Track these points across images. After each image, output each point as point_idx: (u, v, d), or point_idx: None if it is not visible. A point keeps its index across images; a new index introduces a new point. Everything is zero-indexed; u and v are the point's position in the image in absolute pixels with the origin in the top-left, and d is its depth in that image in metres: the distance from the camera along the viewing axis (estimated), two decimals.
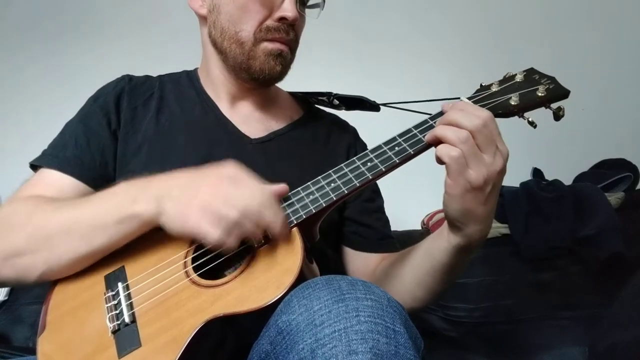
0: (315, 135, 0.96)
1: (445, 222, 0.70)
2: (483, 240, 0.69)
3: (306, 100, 1.02)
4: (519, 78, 0.73)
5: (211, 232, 0.60)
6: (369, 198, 0.95)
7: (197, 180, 0.64)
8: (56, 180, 0.81)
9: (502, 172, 0.64)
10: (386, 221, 0.98)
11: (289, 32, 0.84)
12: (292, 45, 0.86)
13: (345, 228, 0.92)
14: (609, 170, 1.45)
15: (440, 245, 0.71)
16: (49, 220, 0.68)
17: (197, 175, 0.65)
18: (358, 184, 0.67)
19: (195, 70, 0.98)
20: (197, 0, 0.89)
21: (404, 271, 0.79)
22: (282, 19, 0.82)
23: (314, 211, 0.66)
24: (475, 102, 0.71)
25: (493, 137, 0.63)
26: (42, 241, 0.67)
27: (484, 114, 0.63)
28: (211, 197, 0.61)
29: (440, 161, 0.64)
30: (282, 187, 0.67)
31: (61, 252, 0.67)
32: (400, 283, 0.79)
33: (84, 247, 0.67)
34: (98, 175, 0.83)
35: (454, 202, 0.65)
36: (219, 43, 0.86)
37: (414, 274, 0.77)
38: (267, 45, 0.83)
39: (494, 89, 0.73)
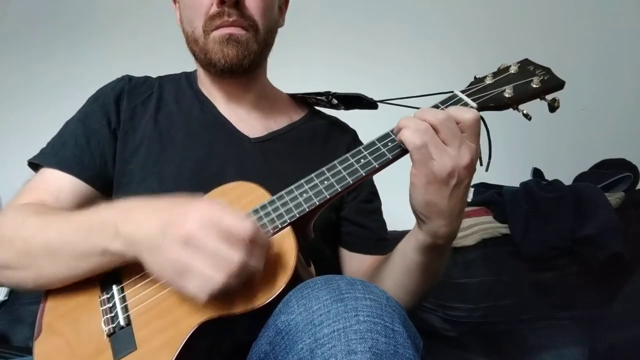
0: (314, 136, 0.96)
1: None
2: (450, 239, 0.68)
3: (306, 102, 1.01)
4: (513, 69, 0.73)
5: (198, 295, 0.55)
6: (366, 199, 0.95)
7: (168, 232, 0.56)
8: (56, 180, 0.81)
9: (469, 167, 0.63)
10: (382, 223, 0.97)
11: (232, 14, 0.81)
12: (245, 24, 0.82)
13: (342, 228, 0.92)
14: (609, 170, 1.45)
15: (410, 243, 0.71)
16: (34, 240, 0.67)
17: (169, 222, 0.57)
18: (351, 182, 0.66)
19: (195, 71, 0.98)
20: (178, 19, 0.91)
21: (384, 273, 0.79)
22: (222, 3, 0.80)
23: (307, 210, 0.66)
24: (468, 96, 0.70)
25: (457, 131, 0.63)
26: (28, 260, 0.67)
27: (467, 114, 0.64)
28: (182, 257, 0.54)
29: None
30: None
31: (48, 274, 0.67)
32: (380, 284, 0.78)
33: (68, 272, 0.67)
34: (98, 174, 0.83)
35: (417, 193, 0.65)
36: (189, 48, 0.88)
37: (392, 275, 0.77)
38: (215, 34, 0.82)
39: (488, 81, 0.72)
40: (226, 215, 0.55)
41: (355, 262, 0.91)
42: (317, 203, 0.66)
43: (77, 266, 0.66)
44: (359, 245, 0.91)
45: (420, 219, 0.68)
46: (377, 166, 0.67)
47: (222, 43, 0.81)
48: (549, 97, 0.70)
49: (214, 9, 0.81)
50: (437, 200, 0.64)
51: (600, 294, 1.25)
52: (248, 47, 0.83)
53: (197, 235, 0.54)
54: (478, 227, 1.36)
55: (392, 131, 0.69)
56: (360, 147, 0.69)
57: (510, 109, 0.71)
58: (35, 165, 0.84)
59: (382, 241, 0.93)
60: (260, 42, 0.85)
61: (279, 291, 0.57)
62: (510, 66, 0.73)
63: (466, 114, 0.64)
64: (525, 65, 0.73)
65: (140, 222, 0.60)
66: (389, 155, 0.67)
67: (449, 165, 0.62)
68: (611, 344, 1.00)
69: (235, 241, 0.54)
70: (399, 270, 0.75)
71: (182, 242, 0.54)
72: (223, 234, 0.54)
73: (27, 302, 1.36)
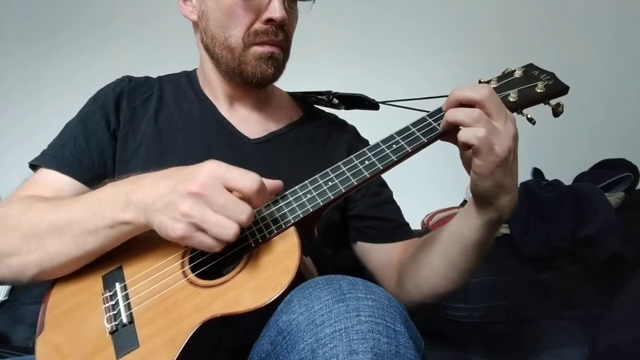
0: (314, 135, 0.95)
1: (470, 202, 0.71)
2: (514, 208, 0.70)
3: (306, 101, 1.01)
4: (517, 74, 0.73)
5: (213, 246, 0.60)
6: (376, 192, 0.95)
7: (179, 189, 0.60)
8: (54, 180, 0.81)
9: (516, 136, 0.65)
10: (398, 210, 0.97)
11: (278, 34, 0.83)
12: (284, 45, 0.85)
13: (358, 224, 0.92)
14: (609, 170, 1.45)
15: (470, 223, 0.72)
16: (41, 221, 0.68)
17: (179, 181, 0.61)
18: (355, 183, 0.67)
19: (195, 70, 0.98)
20: (187, 7, 0.88)
21: (433, 256, 0.78)
22: (269, 21, 0.81)
23: (311, 210, 0.66)
24: None
25: (501, 103, 0.64)
26: (34, 242, 0.67)
27: (488, 86, 0.66)
28: (195, 210, 0.58)
29: (466, 146, 0.63)
30: (276, 183, 0.66)
31: (53, 253, 0.67)
32: (430, 269, 0.78)
33: (76, 250, 0.66)
34: (96, 175, 0.83)
35: (485, 181, 0.65)
36: (211, 49, 0.86)
37: (446, 257, 0.76)
38: (257, 49, 0.82)
39: (493, 85, 0.72)
40: (232, 170, 0.60)
41: (382, 254, 0.90)
42: (321, 204, 0.66)
43: (85, 242, 0.66)
44: (381, 236, 0.91)
45: (486, 202, 0.68)
46: (381, 168, 0.67)
47: (262, 60, 0.83)
48: (553, 102, 0.70)
49: (260, 25, 0.81)
50: (503, 180, 0.65)
51: (600, 294, 1.25)
52: (281, 66, 0.86)
53: (206, 190, 0.58)
54: None
55: (396, 133, 0.69)
56: (365, 149, 0.69)
57: (515, 113, 0.71)
58: (35, 166, 0.84)
59: (405, 226, 0.94)
60: (286, 59, 0.88)
61: (281, 291, 0.58)
62: (514, 70, 0.74)
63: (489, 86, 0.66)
64: (530, 70, 0.73)
65: (150, 188, 0.63)
66: (393, 157, 0.67)
67: (507, 143, 0.63)
68: (611, 344, 1.00)
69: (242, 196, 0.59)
70: (455, 252, 0.75)
71: (193, 197, 0.58)
72: (230, 188, 0.59)
73: (27, 302, 1.36)
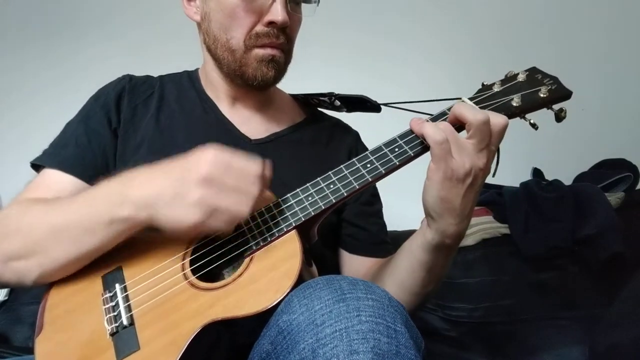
0: (316, 138, 0.95)
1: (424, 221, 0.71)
2: (458, 239, 0.69)
3: (308, 103, 1.01)
4: (521, 78, 0.72)
5: (225, 229, 0.62)
6: (367, 202, 0.94)
7: (187, 177, 0.61)
8: (57, 180, 0.81)
9: (485, 169, 0.65)
10: (382, 226, 0.97)
11: (280, 36, 0.82)
12: (285, 48, 0.85)
13: (342, 230, 0.92)
14: (609, 170, 1.45)
15: (417, 241, 0.72)
16: (39, 224, 0.68)
17: (184, 170, 0.62)
18: (357, 187, 0.66)
19: (196, 70, 0.98)
20: (191, 8, 0.88)
21: (387, 274, 0.78)
22: (271, 24, 0.81)
23: (312, 214, 0.66)
24: (476, 103, 0.70)
25: (488, 135, 0.63)
26: (34, 246, 0.67)
27: (499, 118, 0.64)
28: (208, 194, 0.59)
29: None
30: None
31: (53, 255, 0.67)
32: (383, 287, 0.78)
33: (75, 251, 0.66)
34: (99, 174, 0.82)
35: (432, 189, 0.65)
36: (213, 50, 0.86)
37: (395, 275, 0.77)
38: (259, 52, 0.82)
39: (496, 89, 0.72)
40: (235, 156, 0.62)
41: (354, 264, 0.90)
42: (323, 207, 0.66)
43: (83, 242, 0.66)
44: (359, 248, 0.91)
45: (430, 216, 0.68)
46: (383, 172, 0.67)
47: (263, 62, 0.83)
48: (556, 106, 0.70)
49: (262, 27, 0.81)
50: (451, 197, 0.64)
51: (600, 294, 1.25)
52: (282, 69, 0.86)
53: (215, 175, 0.60)
54: (478, 227, 1.36)
55: (399, 137, 0.69)
56: (367, 152, 0.69)
57: (517, 118, 0.71)
58: (37, 166, 0.84)
59: (383, 244, 0.93)
60: (288, 61, 0.88)
61: (283, 295, 0.57)
62: (518, 74, 0.73)
63: (498, 118, 0.65)
64: (533, 74, 0.73)
65: (147, 184, 0.64)
66: (396, 161, 0.67)
67: (468, 164, 0.63)
68: (611, 344, 1.00)
69: (249, 177, 0.62)
70: (403, 270, 0.75)
71: (203, 184, 0.60)
72: (237, 171, 0.61)
73: (27, 302, 1.36)
